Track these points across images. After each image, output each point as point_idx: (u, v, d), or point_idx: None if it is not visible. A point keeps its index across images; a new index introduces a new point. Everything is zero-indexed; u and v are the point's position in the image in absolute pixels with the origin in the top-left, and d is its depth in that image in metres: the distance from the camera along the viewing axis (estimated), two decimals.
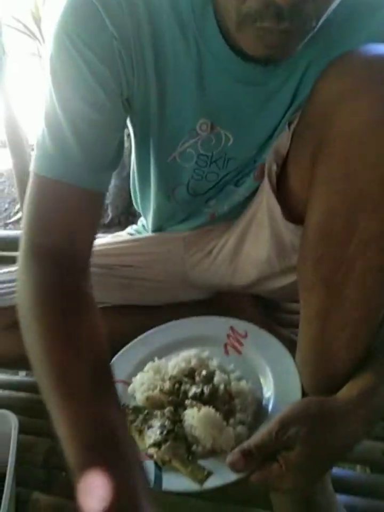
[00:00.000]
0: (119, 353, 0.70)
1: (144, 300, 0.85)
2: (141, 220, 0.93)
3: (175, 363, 0.66)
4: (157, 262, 0.84)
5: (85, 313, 0.53)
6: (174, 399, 0.61)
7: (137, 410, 0.60)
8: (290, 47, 0.52)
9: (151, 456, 0.54)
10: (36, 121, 0.61)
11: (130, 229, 0.95)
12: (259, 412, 0.59)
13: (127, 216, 2.67)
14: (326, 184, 0.50)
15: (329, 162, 0.49)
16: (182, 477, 0.52)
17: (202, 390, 0.60)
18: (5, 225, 2.90)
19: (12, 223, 2.87)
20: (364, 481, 0.67)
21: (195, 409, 0.57)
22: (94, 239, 0.62)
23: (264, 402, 0.61)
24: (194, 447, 0.55)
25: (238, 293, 0.86)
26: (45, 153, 0.56)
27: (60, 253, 0.56)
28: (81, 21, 0.52)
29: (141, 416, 0.58)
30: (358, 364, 0.55)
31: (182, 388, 0.62)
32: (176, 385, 0.62)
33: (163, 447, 0.54)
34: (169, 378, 0.63)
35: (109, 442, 0.42)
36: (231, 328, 0.71)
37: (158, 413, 0.59)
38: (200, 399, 0.59)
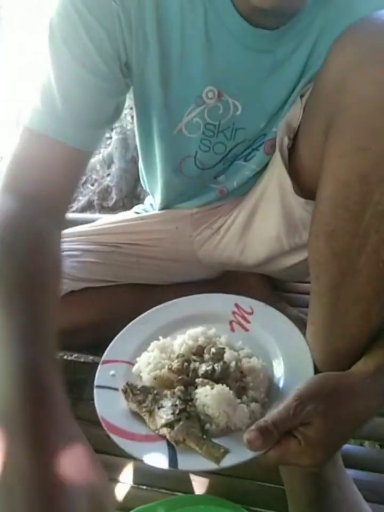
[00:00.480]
0: (121, 332, 0.68)
1: (151, 279, 0.84)
2: (148, 199, 0.92)
3: (181, 341, 0.64)
4: (164, 240, 0.83)
5: (46, 254, 0.52)
6: (183, 377, 0.59)
7: (145, 390, 0.58)
8: None
9: (163, 437, 0.53)
10: None
11: (137, 208, 0.94)
12: (271, 389, 0.58)
13: (131, 199, 2.64)
14: (338, 157, 0.48)
15: (342, 134, 0.48)
16: (197, 456, 0.50)
17: (213, 368, 0.58)
18: None
19: None
20: (374, 456, 0.67)
21: (207, 387, 0.56)
22: (72, 193, 0.63)
23: (275, 379, 0.60)
24: (207, 426, 0.54)
25: (246, 272, 0.85)
26: (35, 107, 0.58)
27: (36, 198, 0.57)
28: None
29: (150, 397, 0.57)
30: (371, 338, 0.54)
31: (191, 366, 0.60)
32: (185, 364, 0.61)
33: (176, 427, 0.52)
34: (177, 357, 0.62)
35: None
36: (236, 305, 0.69)
37: (167, 392, 0.58)
38: (211, 377, 0.58)
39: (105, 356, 0.63)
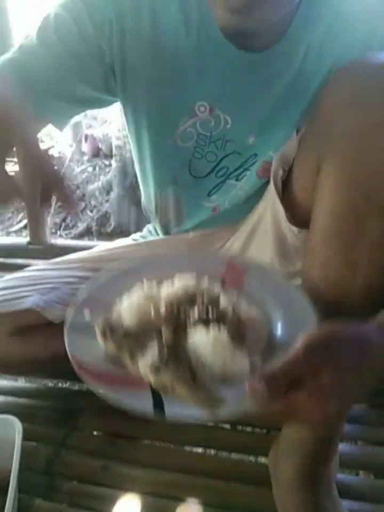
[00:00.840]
0: (100, 278, 0.59)
1: None
2: (147, 227, 0.93)
3: (170, 290, 0.55)
4: None
5: None
6: (173, 321, 0.50)
7: (127, 330, 0.49)
8: (257, 12, 0.53)
9: (148, 384, 0.44)
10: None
11: (135, 235, 0.95)
12: (272, 346, 0.51)
13: (130, 225, 2.67)
14: (331, 190, 0.50)
15: (334, 168, 0.50)
16: (187, 405, 0.42)
17: (207, 311, 0.50)
18: (7, 233, 2.90)
19: (15, 231, 2.88)
20: (368, 487, 0.66)
21: (201, 331, 0.48)
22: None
23: (276, 336, 0.52)
24: (200, 373, 0.45)
25: None
26: (10, 55, 0.65)
27: None
28: None
29: (132, 338, 0.48)
30: None
31: (182, 309, 0.51)
32: (175, 309, 0.51)
33: (164, 371, 0.44)
34: (165, 303, 0.53)
35: None
36: (229, 262, 0.61)
37: (153, 333, 0.49)
38: (205, 321, 0.49)
39: (80, 298, 0.55)
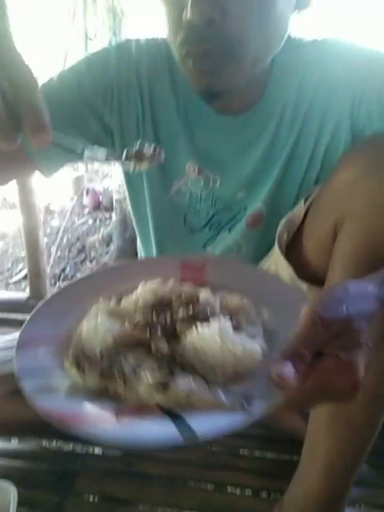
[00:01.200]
0: (38, 307, 0.49)
1: None
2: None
3: (135, 298, 0.48)
4: None
5: None
6: (160, 327, 0.43)
7: (110, 354, 0.41)
8: (227, 79, 0.58)
9: (155, 407, 0.36)
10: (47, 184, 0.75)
11: None
12: (267, 330, 0.46)
13: None
14: (351, 252, 0.54)
15: (353, 236, 0.54)
16: (210, 416, 0.35)
17: (193, 308, 0.44)
18: (6, 285, 2.92)
19: (14, 283, 2.89)
20: None
21: (197, 329, 0.42)
22: None
23: (267, 321, 0.47)
24: (210, 377, 0.39)
25: None
26: None
27: None
28: (95, 58, 0.70)
29: (119, 359, 0.40)
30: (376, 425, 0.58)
31: (162, 316, 0.45)
32: (155, 316, 0.45)
33: (172, 385, 0.37)
34: (137, 311, 0.46)
35: None
36: (183, 262, 0.55)
37: (141, 350, 0.42)
38: (195, 319, 0.44)
39: (20, 338, 0.45)
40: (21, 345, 0.44)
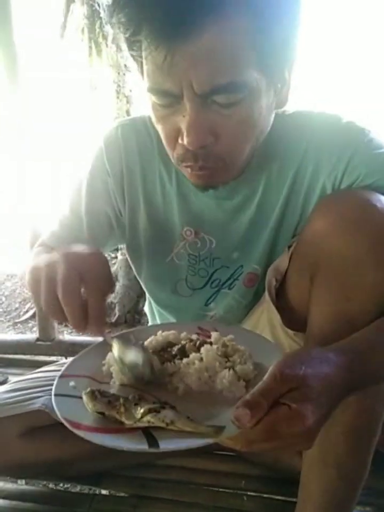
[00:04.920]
0: (82, 352, 0.65)
1: None
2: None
3: (148, 341, 0.63)
4: None
5: None
6: (160, 354, 0.58)
7: (115, 396, 0.53)
8: (221, 179, 0.65)
9: (140, 429, 0.49)
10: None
11: None
12: (260, 374, 0.54)
13: (134, 315, 2.72)
14: (326, 305, 0.59)
15: (326, 286, 0.60)
16: (177, 438, 0.47)
17: (191, 342, 0.59)
18: (14, 324, 2.95)
19: (21, 322, 2.92)
20: None
21: (193, 355, 0.55)
22: None
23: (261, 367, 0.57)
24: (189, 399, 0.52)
25: None
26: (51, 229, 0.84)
27: None
28: (92, 165, 0.80)
29: (122, 399, 0.52)
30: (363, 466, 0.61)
31: (167, 350, 0.59)
32: (159, 348, 0.60)
33: (162, 412, 0.49)
34: (150, 345, 0.61)
35: None
36: (199, 327, 0.69)
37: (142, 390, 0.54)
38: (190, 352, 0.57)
39: (64, 370, 0.61)
40: (63, 375, 0.59)
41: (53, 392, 0.55)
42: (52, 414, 0.76)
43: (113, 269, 3.19)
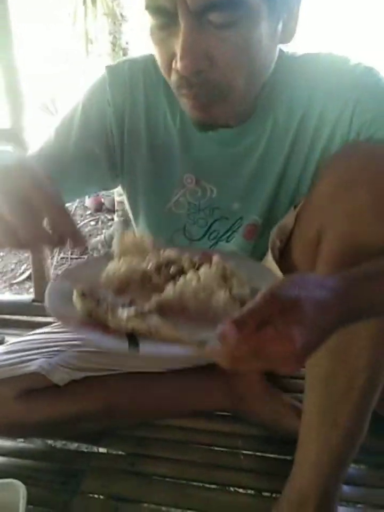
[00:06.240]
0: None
1: (148, 367, 0.86)
2: None
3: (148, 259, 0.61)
4: None
5: None
6: (163, 271, 0.57)
7: (105, 294, 0.54)
8: (219, 113, 0.61)
9: (124, 331, 0.49)
10: None
11: None
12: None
13: None
14: (326, 264, 0.57)
15: (332, 245, 0.57)
16: (159, 345, 0.47)
17: (194, 262, 0.57)
18: (10, 285, 2.94)
19: (17, 283, 2.92)
20: None
21: (190, 274, 0.54)
22: None
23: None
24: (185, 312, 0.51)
25: None
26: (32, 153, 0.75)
27: None
28: (91, 91, 0.74)
29: (110, 297, 0.53)
30: (363, 429, 0.59)
31: (169, 266, 0.58)
32: (164, 265, 0.58)
33: (149, 316, 0.49)
34: (153, 260, 0.59)
35: None
36: (203, 253, 0.66)
37: (137, 288, 0.55)
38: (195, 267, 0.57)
39: (63, 273, 0.62)
40: (60, 278, 0.60)
41: (47, 290, 0.55)
42: (48, 376, 0.76)
43: (109, 231, 3.16)
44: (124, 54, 2.79)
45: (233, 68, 0.57)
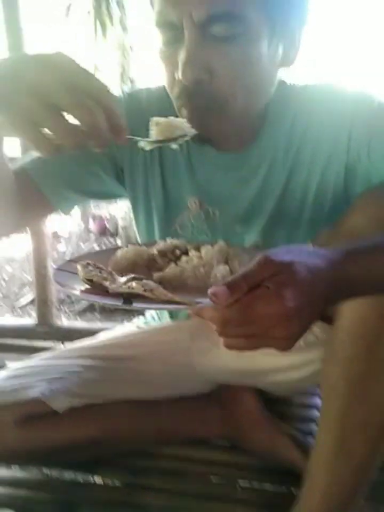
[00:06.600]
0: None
1: (148, 395, 0.87)
2: (149, 312, 0.98)
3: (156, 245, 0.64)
4: (163, 353, 0.87)
5: None
6: (167, 255, 0.60)
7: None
8: (216, 128, 0.64)
9: (120, 295, 0.50)
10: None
11: (138, 320, 1.00)
12: None
13: None
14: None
15: None
16: (153, 304, 0.50)
17: (198, 247, 0.59)
18: (13, 309, 2.95)
19: (20, 307, 2.92)
20: None
21: (192, 253, 0.56)
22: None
23: None
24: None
25: (239, 386, 0.88)
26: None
27: None
28: None
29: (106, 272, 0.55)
30: (374, 465, 0.59)
31: (174, 252, 0.60)
32: (169, 251, 0.61)
33: (146, 281, 0.51)
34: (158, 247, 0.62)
35: None
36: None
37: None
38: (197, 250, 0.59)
39: (76, 257, 0.63)
40: (72, 260, 0.61)
41: (55, 267, 0.58)
42: (48, 403, 0.76)
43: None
44: (132, 84, 2.88)
45: (232, 81, 0.60)
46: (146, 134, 0.74)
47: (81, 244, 3.40)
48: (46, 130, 0.45)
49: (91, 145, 0.48)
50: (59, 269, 0.58)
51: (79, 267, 0.55)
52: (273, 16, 0.59)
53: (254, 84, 0.62)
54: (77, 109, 0.44)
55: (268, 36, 0.60)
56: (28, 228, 1.15)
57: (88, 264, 0.56)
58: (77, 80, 0.45)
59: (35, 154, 0.74)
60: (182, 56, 0.58)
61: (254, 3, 0.57)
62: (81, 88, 0.45)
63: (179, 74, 0.58)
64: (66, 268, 0.58)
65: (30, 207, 0.72)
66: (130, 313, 1.05)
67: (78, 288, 0.53)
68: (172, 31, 0.59)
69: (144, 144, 0.59)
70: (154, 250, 0.62)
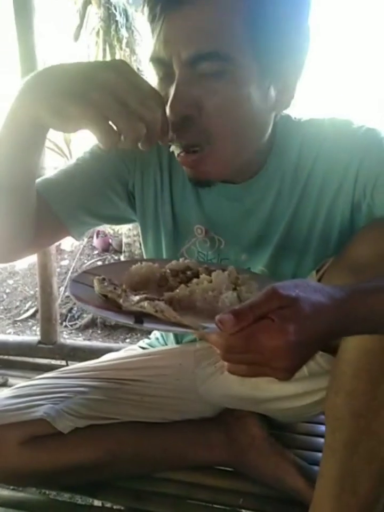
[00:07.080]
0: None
1: (153, 417, 0.87)
2: (155, 333, 0.99)
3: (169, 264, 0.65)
4: (168, 377, 0.88)
5: None
6: (179, 276, 0.61)
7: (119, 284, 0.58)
8: (210, 168, 0.65)
9: (132, 312, 0.52)
10: None
11: (143, 342, 1.00)
12: None
13: None
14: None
15: None
16: (163, 324, 0.51)
17: (210, 270, 0.60)
18: (14, 322, 2.95)
19: (21, 320, 2.92)
20: None
21: (203, 276, 0.58)
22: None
23: None
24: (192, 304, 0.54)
25: (244, 412, 0.88)
26: (49, 176, 0.77)
27: None
28: None
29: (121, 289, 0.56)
30: (380, 497, 0.58)
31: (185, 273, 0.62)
32: (180, 271, 0.62)
33: (157, 302, 0.52)
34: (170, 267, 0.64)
35: None
36: (222, 268, 0.68)
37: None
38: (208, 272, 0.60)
39: (91, 269, 0.65)
40: (87, 271, 0.63)
41: (70, 279, 0.60)
42: (53, 423, 0.76)
43: None
44: None
45: (220, 117, 0.60)
46: (156, 161, 0.76)
47: (84, 260, 3.41)
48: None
49: (142, 143, 0.55)
50: (75, 280, 0.60)
51: (95, 282, 0.57)
52: (262, 59, 0.59)
53: (243, 122, 0.62)
54: (142, 106, 0.52)
55: (257, 77, 0.60)
56: (36, 251, 1.15)
57: (104, 279, 0.58)
58: (140, 82, 0.54)
59: (47, 176, 0.77)
60: (171, 92, 0.59)
61: (241, 45, 0.57)
62: (143, 89, 0.53)
63: (167, 110, 0.59)
64: (82, 279, 0.60)
65: (43, 229, 0.73)
66: (132, 331, 1.05)
67: (92, 302, 0.55)
68: (164, 67, 0.60)
69: (174, 148, 0.64)
70: (166, 269, 0.63)
